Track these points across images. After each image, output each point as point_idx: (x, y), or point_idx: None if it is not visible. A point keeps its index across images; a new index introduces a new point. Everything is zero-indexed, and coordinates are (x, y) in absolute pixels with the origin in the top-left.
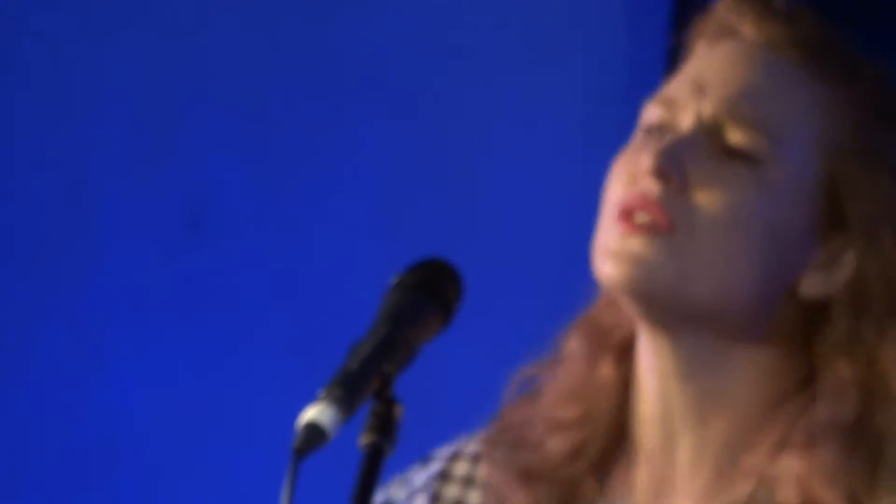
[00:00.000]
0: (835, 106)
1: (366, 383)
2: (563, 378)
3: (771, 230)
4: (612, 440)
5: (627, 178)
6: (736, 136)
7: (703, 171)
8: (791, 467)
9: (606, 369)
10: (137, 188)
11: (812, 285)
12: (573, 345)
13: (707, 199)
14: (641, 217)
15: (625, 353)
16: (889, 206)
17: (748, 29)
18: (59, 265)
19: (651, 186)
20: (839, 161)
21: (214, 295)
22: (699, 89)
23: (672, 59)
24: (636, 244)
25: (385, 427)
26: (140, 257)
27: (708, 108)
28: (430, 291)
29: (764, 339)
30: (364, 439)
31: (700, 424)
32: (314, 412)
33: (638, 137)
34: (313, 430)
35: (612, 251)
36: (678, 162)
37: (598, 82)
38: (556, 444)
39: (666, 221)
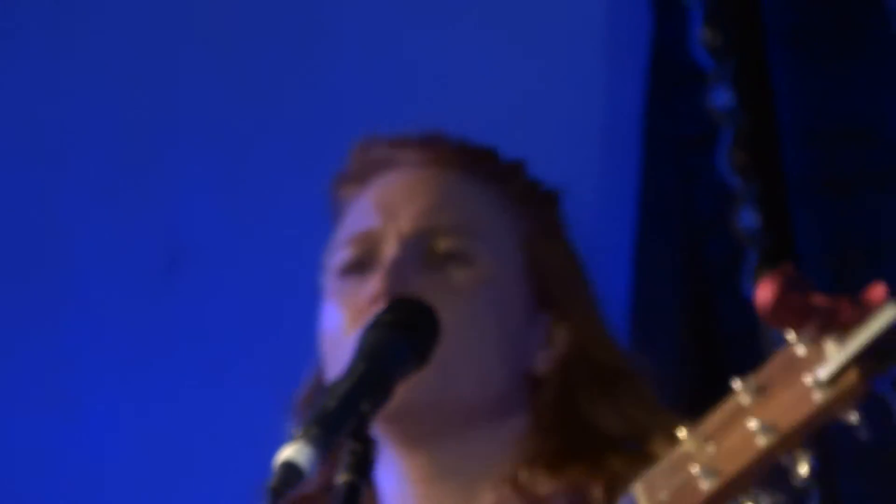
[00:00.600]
0: (506, 201)
1: (343, 422)
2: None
3: (500, 318)
4: None
5: (351, 316)
6: (444, 243)
7: (425, 282)
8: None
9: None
10: (113, 225)
11: (541, 361)
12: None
13: (439, 307)
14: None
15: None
16: (574, 279)
17: (404, 156)
18: (32, 303)
19: (384, 283)
20: (529, 247)
21: (191, 333)
22: (391, 214)
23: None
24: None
25: (362, 466)
26: (115, 295)
27: (407, 226)
28: (407, 330)
29: (510, 419)
30: (341, 478)
31: (455, 473)
32: (291, 451)
33: (336, 284)
34: (290, 468)
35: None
36: (404, 279)
37: (576, 131)
38: None
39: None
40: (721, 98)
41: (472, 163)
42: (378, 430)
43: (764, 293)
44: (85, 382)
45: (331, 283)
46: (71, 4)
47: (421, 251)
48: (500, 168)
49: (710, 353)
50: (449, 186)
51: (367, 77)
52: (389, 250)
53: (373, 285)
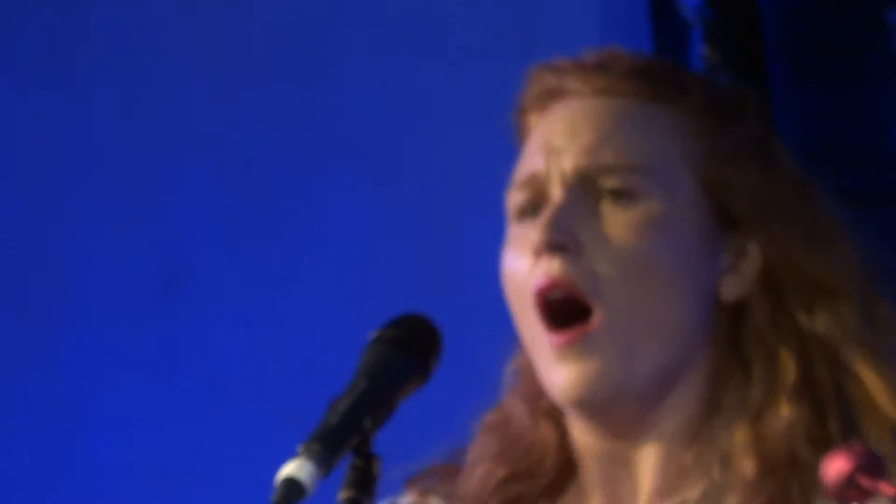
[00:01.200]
0: (681, 122)
1: (345, 438)
2: (505, 438)
3: (676, 257)
4: (559, 472)
5: (526, 266)
6: (609, 182)
7: (591, 228)
8: (743, 440)
9: (546, 431)
10: (113, 248)
11: (730, 288)
12: (513, 406)
13: (608, 257)
14: (555, 295)
15: (554, 411)
16: (767, 192)
17: (573, 85)
18: (33, 324)
19: (551, 265)
20: (707, 169)
21: (189, 355)
22: (554, 154)
23: None
24: (576, 358)
25: (364, 482)
26: (115, 317)
27: (570, 166)
28: (409, 346)
29: (702, 356)
30: (343, 494)
31: (647, 450)
32: (292, 467)
33: (513, 229)
34: (291, 485)
35: (557, 367)
36: (565, 229)
37: None
38: (498, 499)
39: (582, 297)
40: None
41: (646, 85)
42: (577, 426)
43: (836, 466)
44: (83, 399)
45: (510, 226)
46: (75, 24)
47: (584, 193)
48: (677, 85)
49: None
50: (615, 117)
51: (367, 98)
52: (554, 193)
53: (534, 235)
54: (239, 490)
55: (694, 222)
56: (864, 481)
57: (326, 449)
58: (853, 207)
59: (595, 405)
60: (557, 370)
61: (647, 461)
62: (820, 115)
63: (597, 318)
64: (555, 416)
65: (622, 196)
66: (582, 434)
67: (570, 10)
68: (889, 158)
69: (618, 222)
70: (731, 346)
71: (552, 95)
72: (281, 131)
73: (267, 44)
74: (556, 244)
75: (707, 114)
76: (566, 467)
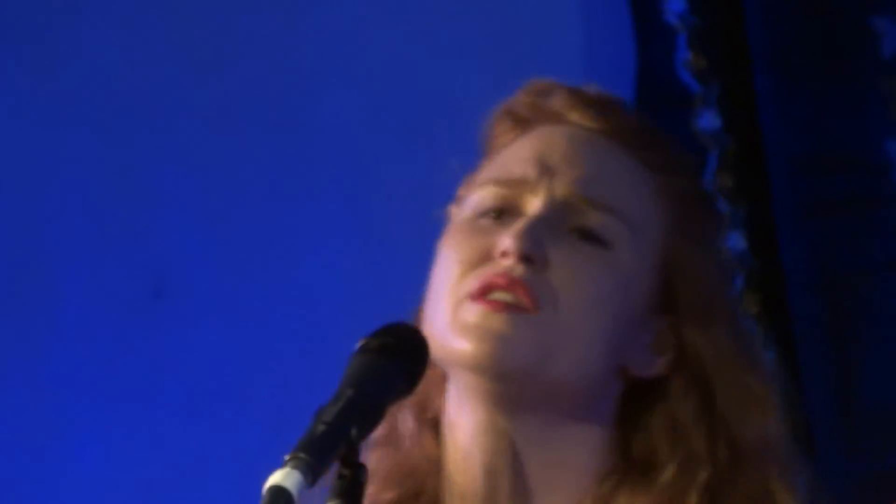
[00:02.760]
0: (663, 194)
1: (331, 448)
2: (392, 456)
3: (619, 310)
4: (440, 490)
5: (478, 256)
6: (590, 218)
7: (560, 251)
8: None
9: (430, 446)
10: (99, 257)
11: (643, 365)
12: (401, 418)
13: (566, 280)
14: (502, 296)
15: (436, 428)
16: (716, 292)
17: (577, 117)
18: (18, 333)
19: (514, 267)
20: (672, 247)
21: (176, 363)
22: (548, 171)
23: None
24: (499, 322)
25: (351, 491)
26: (101, 326)
27: (561, 188)
28: (395, 355)
29: (595, 415)
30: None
31: (527, 501)
32: (279, 476)
33: (470, 217)
34: (278, 493)
35: (471, 327)
36: (540, 243)
37: None
38: None
39: (531, 301)
40: (706, 121)
41: (644, 145)
42: (463, 383)
43: None
44: (69, 409)
45: (463, 218)
46: (57, 34)
47: (566, 218)
48: (668, 159)
49: None
50: (613, 161)
51: (355, 106)
52: (536, 206)
53: (507, 238)
54: (225, 501)
55: (642, 289)
56: None
57: (313, 458)
58: (842, 211)
59: (499, 374)
60: (475, 331)
61: (525, 467)
62: (806, 121)
63: (538, 310)
64: (438, 428)
65: (598, 237)
66: (472, 433)
67: (554, 16)
68: (876, 163)
69: (586, 257)
70: (617, 423)
71: (551, 117)
72: (268, 140)
73: (254, 51)
74: (528, 255)
75: (682, 196)
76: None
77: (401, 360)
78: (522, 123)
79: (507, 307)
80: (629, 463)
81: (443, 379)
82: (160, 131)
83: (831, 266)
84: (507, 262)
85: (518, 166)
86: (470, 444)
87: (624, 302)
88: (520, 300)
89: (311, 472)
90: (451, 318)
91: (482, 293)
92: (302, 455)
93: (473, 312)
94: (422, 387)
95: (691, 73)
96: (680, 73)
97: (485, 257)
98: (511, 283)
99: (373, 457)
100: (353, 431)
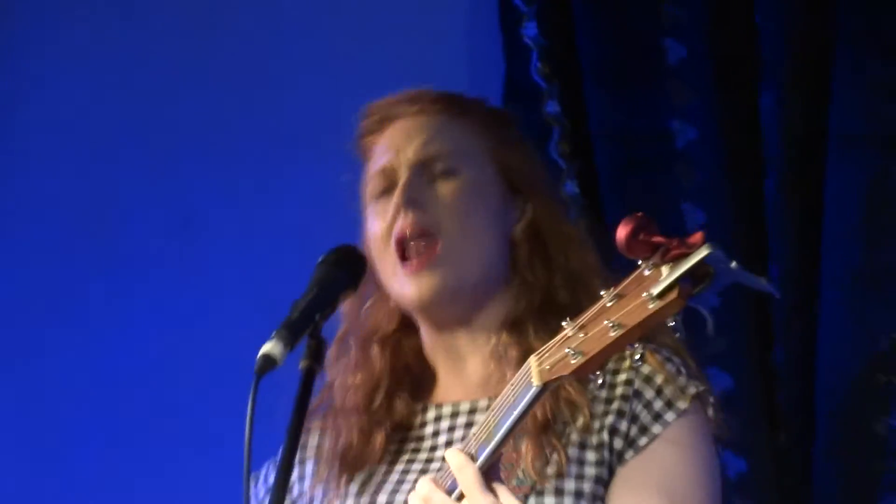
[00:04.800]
0: (476, 129)
1: (303, 327)
2: (348, 369)
3: (485, 211)
4: (413, 379)
5: (386, 224)
6: (438, 166)
7: (430, 193)
8: (510, 338)
9: (375, 353)
10: (146, 199)
11: (518, 233)
12: (350, 349)
13: (442, 207)
14: (415, 245)
15: (388, 339)
16: (537, 173)
17: (402, 109)
18: (98, 251)
19: (406, 216)
20: (497, 158)
21: (204, 274)
22: (399, 151)
23: None
24: (423, 276)
25: (317, 355)
26: (150, 247)
27: (410, 157)
28: (344, 266)
29: (505, 275)
30: (302, 364)
31: (474, 347)
32: (268, 346)
33: (373, 206)
34: (267, 358)
35: (407, 283)
36: (413, 194)
37: None
38: (356, 400)
39: (432, 236)
40: (551, 108)
41: (449, 106)
42: (419, 319)
43: (621, 231)
44: (126, 306)
45: (369, 205)
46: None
47: (422, 173)
48: (468, 106)
49: None
50: (435, 126)
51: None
52: (403, 175)
53: (395, 199)
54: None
55: (494, 190)
56: (643, 237)
57: (290, 334)
58: (640, 169)
59: (437, 304)
60: (411, 285)
61: (476, 350)
62: (617, 108)
63: (438, 246)
64: (388, 342)
65: (448, 173)
66: (429, 336)
67: (446, 39)
68: (664, 136)
69: (446, 189)
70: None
71: (386, 120)
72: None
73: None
74: (409, 201)
75: (491, 124)
76: (416, 376)
77: (348, 269)
78: (374, 132)
79: (421, 264)
80: (512, 282)
81: (392, 309)
82: (182, 110)
83: (630, 199)
84: (401, 219)
85: (382, 158)
86: (430, 338)
87: (485, 201)
88: (422, 237)
89: (289, 343)
90: (392, 274)
91: (402, 255)
92: (283, 332)
93: (406, 274)
94: (377, 316)
95: (541, 77)
96: (534, 77)
97: (391, 222)
98: (412, 227)
99: (337, 369)
100: (317, 317)
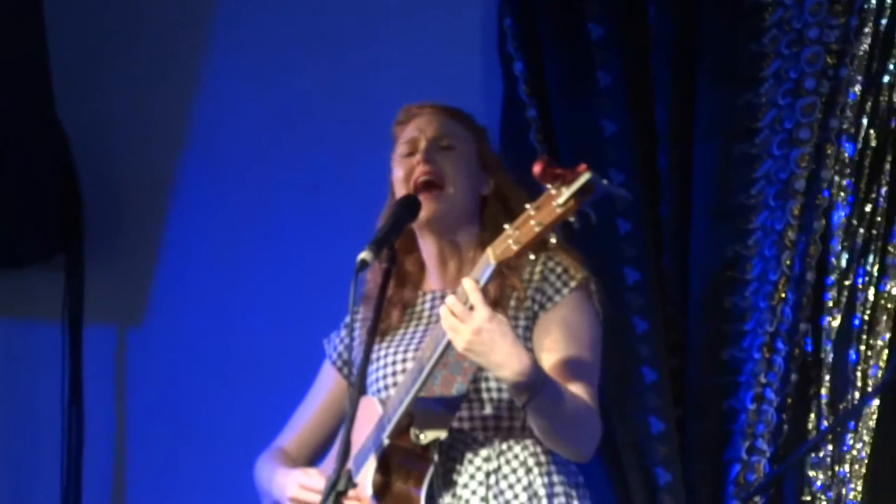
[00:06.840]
0: (467, 128)
1: (384, 243)
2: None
3: (469, 174)
4: (415, 277)
5: (409, 170)
6: (443, 142)
7: (440, 157)
8: (477, 253)
9: (411, 261)
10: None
11: (485, 192)
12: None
13: (446, 167)
14: (425, 178)
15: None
16: (496, 158)
17: (422, 111)
18: (209, 197)
19: (425, 167)
20: (477, 146)
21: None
22: (421, 131)
23: None
24: (432, 199)
25: (392, 260)
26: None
27: (430, 135)
28: (408, 206)
29: (477, 215)
30: (384, 265)
31: (455, 255)
32: (363, 254)
33: (399, 161)
34: (363, 262)
35: (424, 206)
36: (430, 155)
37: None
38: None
39: (439, 179)
40: (531, 113)
41: (450, 111)
42: (420, 229)
43: (536, 168)
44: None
45: (397, 162)
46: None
47: (435, 144)
48: (461, 114)
49: None
50: (442, 120)
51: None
52: (422, 145)
53: (418, 159)
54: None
55: (473, 164)
56: (550, 170)
57: (377, 247)
58: (585, 154)
59: (436, 221)
60: (424, 208)
61: (455, 255)
62: (566, 108)
63: (445, 188)
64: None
65: (449, 147)
66: (425, 244)
67: (460, 66)
68: (595, 130)
69: (448, 157)
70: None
71: (412, 116)
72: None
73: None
74: (427, 158)
75: (474, 127)
76: (418, 275)
77: (409, 209)
78: (402, 122)
79: (430, 189)
80: (485, 230)
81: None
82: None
83: (574, 165)
84: (421, 167)
85: (409, 134)
86: (429, 246)
87: (471, 169)
88: (433, 179)
89: (376, 253)
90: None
91: (416, 187)
92: (372, 245)
93: (420, 200)
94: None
95: (525, 95)
96: (521, 95)
97: (411, 170)
98: (426, 173)
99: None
100: (392, 236)
